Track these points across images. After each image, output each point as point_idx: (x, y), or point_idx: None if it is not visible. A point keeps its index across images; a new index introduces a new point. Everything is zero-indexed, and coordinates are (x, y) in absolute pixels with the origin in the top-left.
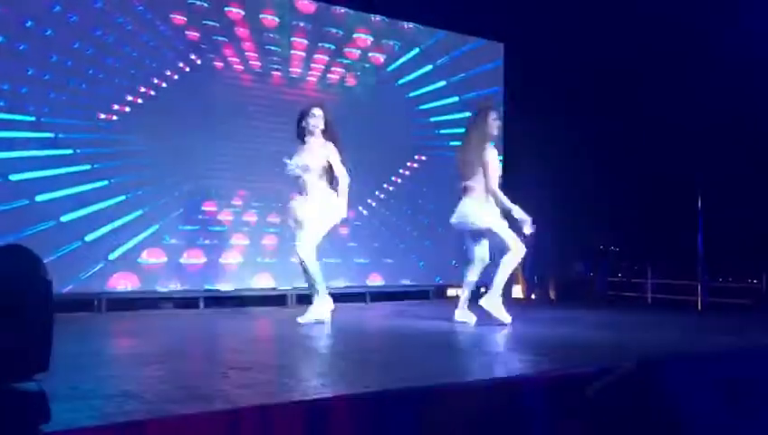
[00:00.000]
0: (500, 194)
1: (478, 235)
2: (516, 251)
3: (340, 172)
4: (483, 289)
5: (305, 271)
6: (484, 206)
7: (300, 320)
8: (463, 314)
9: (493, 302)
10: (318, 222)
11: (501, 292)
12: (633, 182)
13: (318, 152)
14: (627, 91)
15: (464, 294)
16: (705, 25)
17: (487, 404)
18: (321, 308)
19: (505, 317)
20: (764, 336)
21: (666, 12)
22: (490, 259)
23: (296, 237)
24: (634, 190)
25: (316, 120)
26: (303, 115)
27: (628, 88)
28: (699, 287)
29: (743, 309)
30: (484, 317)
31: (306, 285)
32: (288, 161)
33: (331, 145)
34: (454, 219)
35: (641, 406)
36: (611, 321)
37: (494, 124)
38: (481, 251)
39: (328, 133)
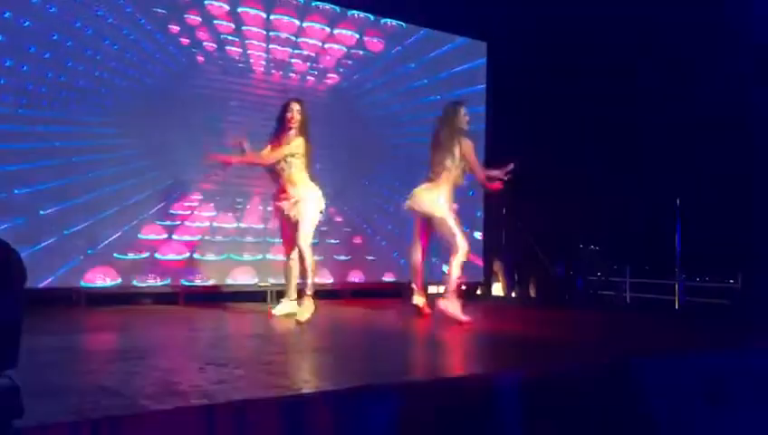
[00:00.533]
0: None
1: (430, 222)
2: (463, 249)
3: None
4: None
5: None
6: (441, 196)
7: (298, 319)
8: (420, 300)
9: (451, 302)
10: (311, 217)
11: (456, 291)
12: (613, 182)
13: (293, 145)
14: (608, 92)
15: (418, 280)
16: (689, 26)
17: (465, 400)
18: (309, 306)
19: (463, 316)
20: (740, 336)
21: (648, 12)
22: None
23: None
24: (614, 190)
25: (293, 114)
26: (283, 109)
27: (609, 89)
28: (677, 287)
29: (720, 309)
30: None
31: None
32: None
33: (300, 140)
34: (409, 204)
35: (618, 403)
36: (590, 320)
37: (464, 119)
38: (429, 239)
39: (304, 130)
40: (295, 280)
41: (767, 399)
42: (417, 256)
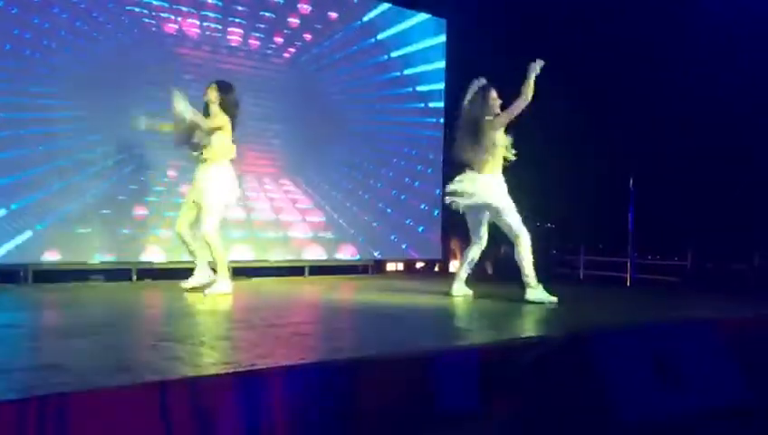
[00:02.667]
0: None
1: (484, 212)
2: (525, 237)
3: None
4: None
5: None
6: (499, 184)
7: (207, 291)
8: (461, 289)
9: (536, 293)
10: (219, 202)
11: (535, 279)
12: (568, 160)
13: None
14: (565, 70)
15: (463, 270)
16: (649, 7)
17: (422, 374)
18: (225, 285)
19: (552, 298)
20: (688, 311)
21: None
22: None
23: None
24: (569, 168)
25: (206, 95)
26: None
27: (566, 67)
28: (629, 265)
29: (670, 286)
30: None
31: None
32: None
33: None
34: (468, 199)
35: (570, 377)
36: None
37: (494, 103)
38: (485, 230)
39: (221, 110)
40: (200, 252)
41: (711, 367)
42: (472, 249)
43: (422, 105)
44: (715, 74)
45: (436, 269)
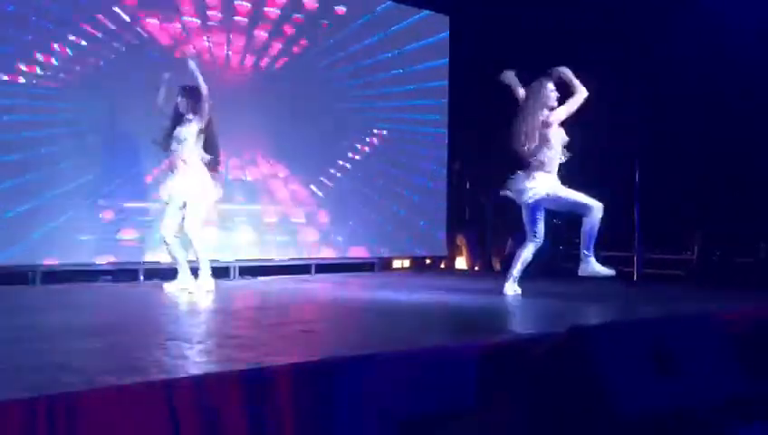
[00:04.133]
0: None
1: (541, 209)
2: (597, 205)
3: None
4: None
5: (190, 248)
6: (556, 178)
7: (191, 290)
8: (511, 288)
9: (593, 265)
10: (202, 201)
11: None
12: (573, 154)
13: (192, 126)
14: (569, 64)
15: (516, 269)
16: (649, 4)
17: (426, 371)
18: (210, 282)
19: (609, 271)
20: (692, 306)
21: None
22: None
23: (166, 215)
24: (574, 163)
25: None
26: (179, 93)
27: (570, 61)
28: (635, 259)
29: (676, 280)
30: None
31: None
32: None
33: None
34: (541, 192)
35: (571, 373)
36: (550, 290)
37: (551, 95)
38: (542, 227)
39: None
40: (184, 257)
41: (712, 362)
42: (529, 248)
43: (426, 102)
44: (721, 68)
45: (443, 266)
